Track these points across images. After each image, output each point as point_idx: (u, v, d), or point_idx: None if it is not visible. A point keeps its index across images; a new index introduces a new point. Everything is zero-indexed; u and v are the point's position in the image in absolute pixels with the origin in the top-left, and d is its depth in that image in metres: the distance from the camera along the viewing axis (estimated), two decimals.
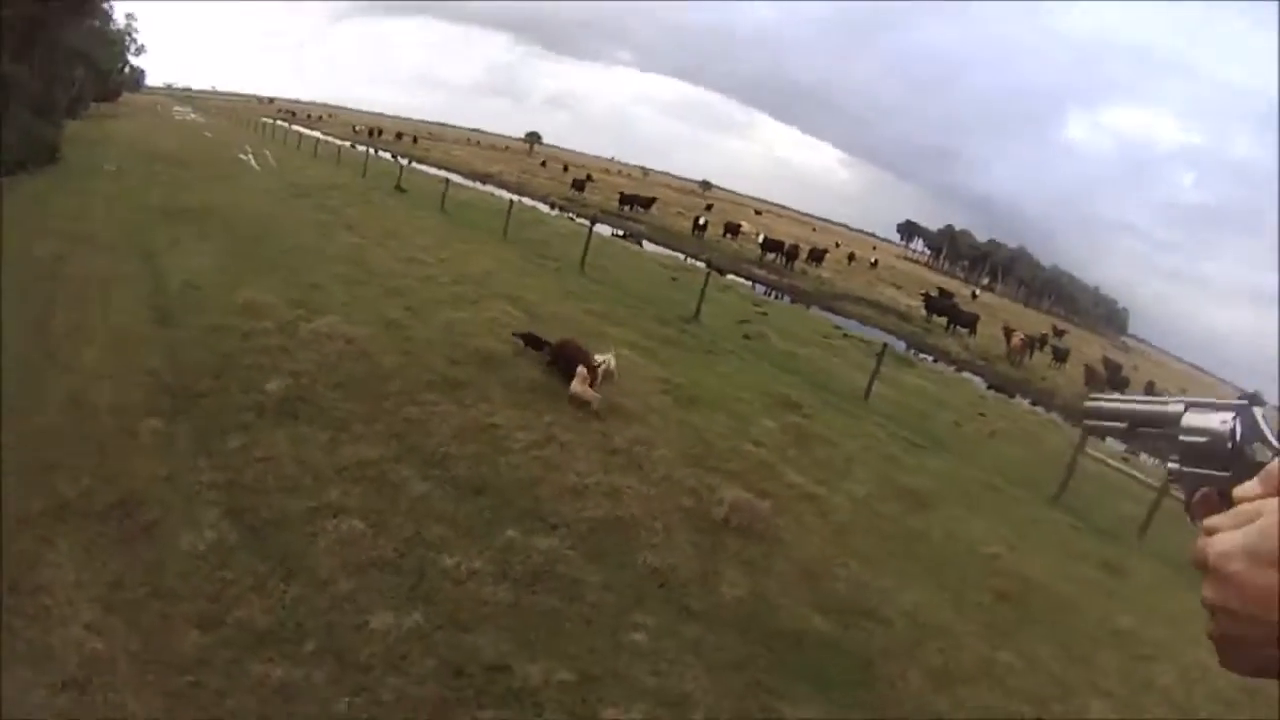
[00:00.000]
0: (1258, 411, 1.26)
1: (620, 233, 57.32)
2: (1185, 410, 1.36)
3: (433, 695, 7.51)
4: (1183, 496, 1.35)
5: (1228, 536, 1.05)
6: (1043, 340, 55.43)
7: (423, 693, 7.51)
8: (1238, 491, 1.12)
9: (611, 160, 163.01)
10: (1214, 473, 1.26)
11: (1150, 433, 1.44)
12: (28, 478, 9.74)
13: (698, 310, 27.29)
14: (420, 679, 7.65)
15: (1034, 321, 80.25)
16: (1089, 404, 1.59)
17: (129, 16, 73.53)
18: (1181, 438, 1.35)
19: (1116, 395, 1.60)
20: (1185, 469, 1.33)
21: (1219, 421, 1.27)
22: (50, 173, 33.41)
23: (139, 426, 11.40)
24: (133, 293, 17.69)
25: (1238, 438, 1.23)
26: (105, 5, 46.78)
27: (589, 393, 15.28)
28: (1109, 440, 24.39)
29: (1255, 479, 1.09)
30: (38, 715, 6.55)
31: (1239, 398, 1.32)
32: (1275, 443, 1.20)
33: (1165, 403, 1.43)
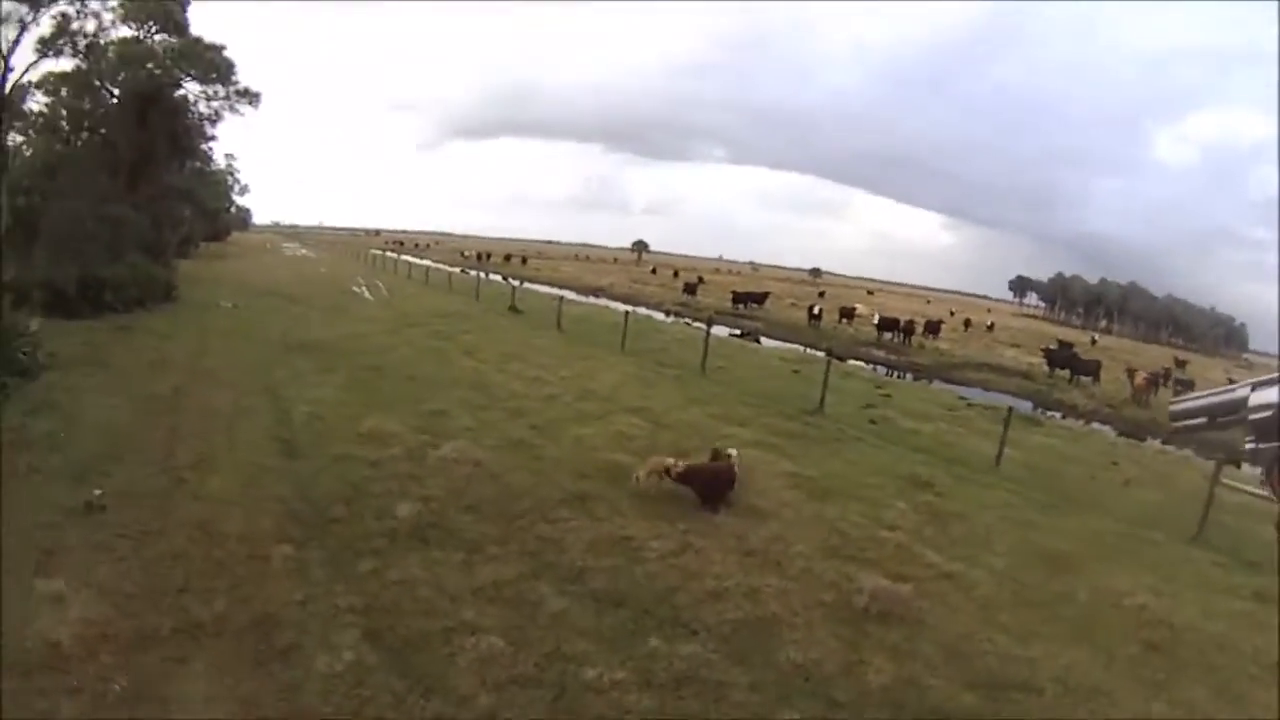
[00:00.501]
0: None
1: (737, 331, 56.85)
2: (1250, 391, 1.30)
3: None
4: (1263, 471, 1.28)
5: None
6: (1166, 375, 54.21)
7: None
8: None
9: (719, 259, 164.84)
10: None
11: (1230, 420, 1.38)
12: (158, 599, 10.01)
13: (821, 400, 26.99)
14: None
15: (1155, 356, 78.83)
16: (1172, 408, 1.53)
17: (229, 156, 75.74)
18: (1250, 417, 1.28)
19: (1195, 394, 1.54)
20: (1261, 445, 1.26)
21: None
22: (168, 310, 34.68)
23: (271, 552, 11.64)
24: (257, 425, 18.12)
25: None
26: (205, 147, 48.03)
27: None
28: (1245, 466, 23.77)
29: None
30: None
31: None
32: None
33: (1234, 389, 1.37)
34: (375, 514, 13.47)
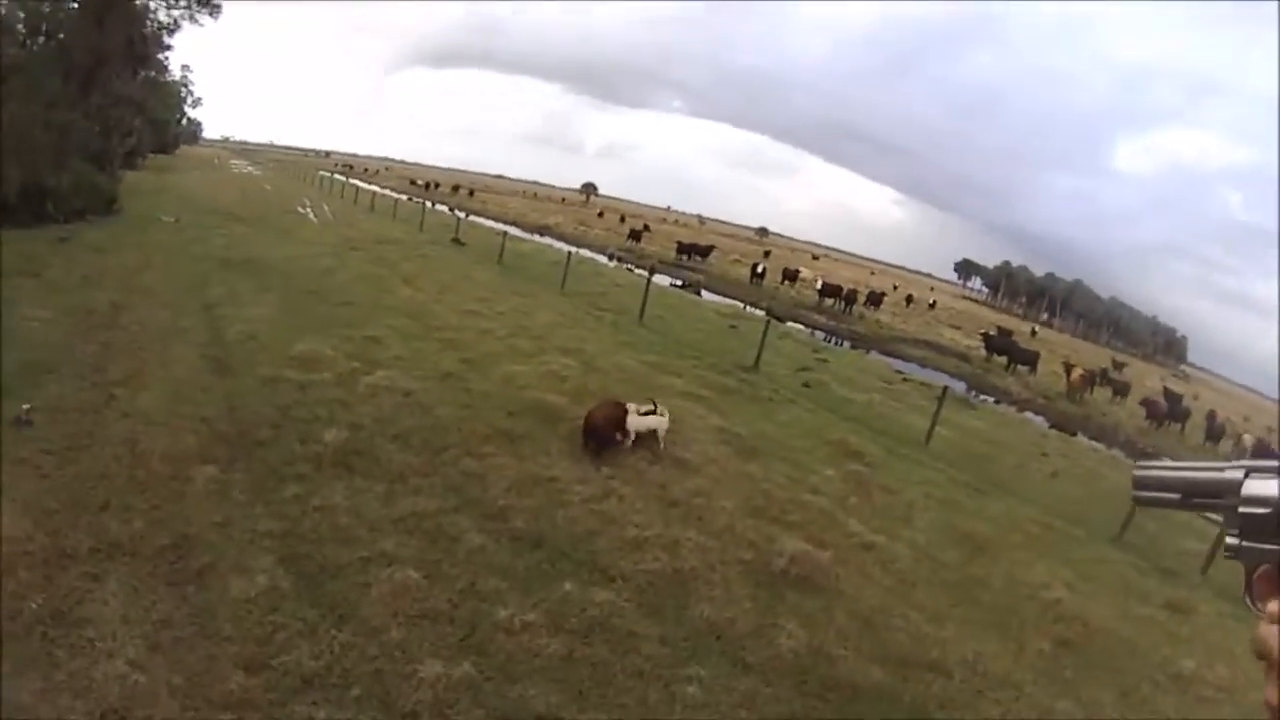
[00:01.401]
0: None
1: (679, 282, 57.38)
2: (1245, 477, 1.24)
3: None
4: (1242, 572, 1.23)
5: None
6: (1103, 375, 54.97)
7: None
8: None
9: (668, 209, 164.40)
10: (1277, 548, 1.14)
11: (1210, 504, 1.32)
12: (78, 516, 9.92)
13: (757, 359, 27.27)
14: None
15: (1093, 355, 79.72)
16: (1137, 473, 1.48)
17: (185, 68, 74.60)
18: (1241, 509, 1.22)
19: (1167, 462, 1.48)
20: (1246, 544, 1.21)
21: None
22: (109, 223, 34.22)
23: (194, 473, 11.53)
24: (190, 342, 17.96)
25: None
26: (161, 56, 47.23)
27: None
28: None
29: None
30: None
31: None
32: None
33: (1222, 469, 1.30)
34: (301, 438, 13.41)
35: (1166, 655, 12.37)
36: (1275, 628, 0.97)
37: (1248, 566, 1.18)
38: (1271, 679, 0.97)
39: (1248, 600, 1.17)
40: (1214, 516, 1.31)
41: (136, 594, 8.63)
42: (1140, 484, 1.47)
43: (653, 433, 15.75)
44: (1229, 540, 1.23)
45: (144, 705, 7.11)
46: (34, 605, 8.08)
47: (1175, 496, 1.39)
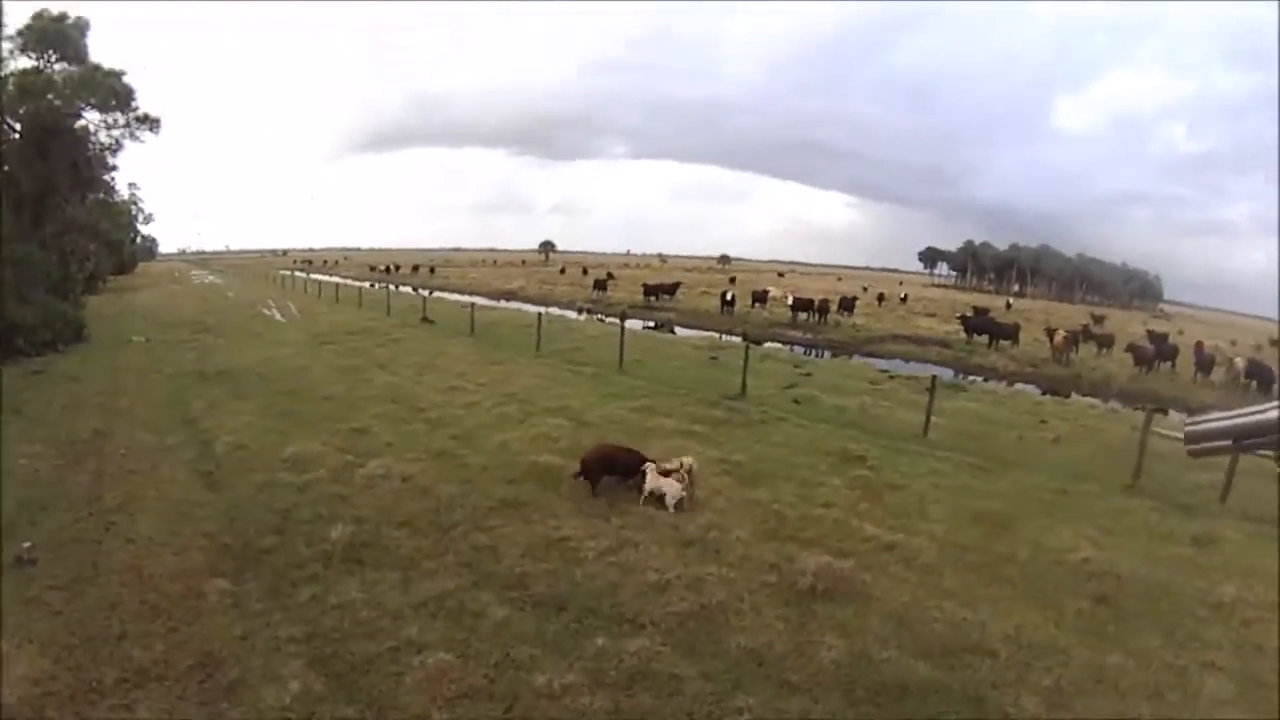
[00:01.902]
0: None
1: (651, 324, 57.39)
2: None
3: None
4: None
5: None
6: (1084, 331, 54.97)
7: None
8: None
9: (627, 254, 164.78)
10: None
11: (1258, 443, 1.32)
12: (98, 648, 9.85)
13: (743, 385, 27.15)
14: None
15: (1072, 315, 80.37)
16: (1190, 429, 1.49)
17: (132, 185, 74.38)
18: None
19: (1215, 414, 1.50)
20: None
21: None
22: (79, 350, 34.20)
23: (206, 589, 11.46)
24: (180, 460, 17.87)
25: None
26: (107, 177, 47.22)
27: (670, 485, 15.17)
28: (1171, 412, 24.12)
29: None
30: None
31: None
32: None
33: (1264, 410, 1.31)
34: (307, 540, 13.35)
35: (1202, 588, 12.43)
36: None
37: None
38: None
39: None
40: (1266, 453, 1.32)
41: (169, 718, 8.54)
42: (1192, 439, 1.47)
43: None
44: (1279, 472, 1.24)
45: None
46: None
47: (1228, 443, 1.40)
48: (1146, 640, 10.75)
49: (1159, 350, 47.03)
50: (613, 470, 15.75)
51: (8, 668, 9.18)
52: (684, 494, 15.09)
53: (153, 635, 10.17)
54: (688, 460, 15.67)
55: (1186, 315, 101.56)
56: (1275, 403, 1.24)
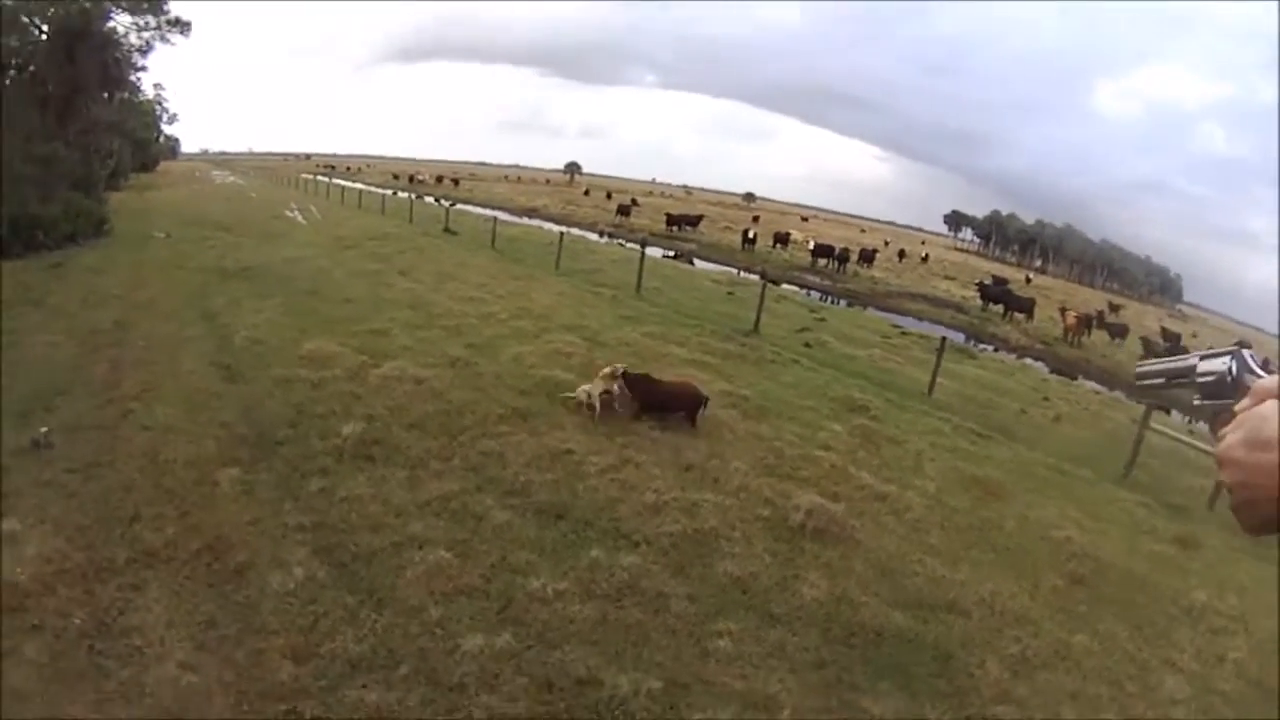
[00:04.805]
0: (1246, 353, 1.57)
1: (671, 253, 56.80)
2: (1199, 360, 1.66)
3: (525, 712, 7.74)
4: (1208, 424, 1.65)
5: (1231, 436, 1.35)
6: (1100, 317, 54.64)
7: (515, 710, 7.74)
8: (1237, 408, 1.41)
9: (653, 183, 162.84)
10: (1223, 400, 1.55)
11: (1181, 381, 1.73)
12: (111, 530, 10.17)
13: (756, 323, 27.46)
14: (512, 696, 7.88)
15: (1089, 299, 79.47)
16: (1139, 368, 1.91)
17: (157, 86, 74.02)
18: (1198, 380, 1.64)
19: (1154, 360, 1.91)
20: (1204, 401, 1.62)
21: (1220, 364, 1.59)
22: (101, 244, 34.30)
23: (219, 476, 11.78)
24: (199, 352, 18.13)
25: (1234, 373, 1.55)
26: (133, 77, 47.00)
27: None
28: (1174, 413, 24.32)
29: (1247, 397, 1.40)
30: None
31: (1233, 343, 1.66)
32: (1260, 371, 1.51)
33: (1186, 358, 1.73)
34: (320, 434, 13.66)
35: (1178, 588, 12.63)
36: (1224, 440, 1.38)
37: (1209, 417, 1.59)
38: (1221, 470, 1.39)
39: (1212, 433, 1.57)
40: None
41: (178, 598, 8.87)
42: (1140, 376, 1.90)
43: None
44: (1195, 401, 1.65)
45: (198, 706, 7.35)
46: (78, 620, 8.29)
47: (1161, 381, 1.81)
48: (1115, 627, 11.01)
49: (1171, 348, 47.00)
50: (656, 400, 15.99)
51: (21, 548, 9.46)
52: (597, 397, 15.62)
53: (164, 519, 10.47)
54: (619, 367, 16.12)
55: (1203, 319, 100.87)
56: (1195, 352, 1.61)
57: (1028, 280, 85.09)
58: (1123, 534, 14.60)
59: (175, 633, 8.25)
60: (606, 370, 16.04)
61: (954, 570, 11.71)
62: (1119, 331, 51.21)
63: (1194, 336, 63.36)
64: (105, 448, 12.56)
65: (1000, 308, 51.00)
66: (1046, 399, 27.19)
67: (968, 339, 41.70)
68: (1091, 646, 10.41)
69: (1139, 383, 1.95)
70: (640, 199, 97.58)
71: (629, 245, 53.48)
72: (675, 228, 72.01)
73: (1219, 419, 1.57)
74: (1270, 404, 1.35)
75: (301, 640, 8.30)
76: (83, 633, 8.14)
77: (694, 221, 74.52)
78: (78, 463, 11.89)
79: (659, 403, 15.91)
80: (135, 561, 9.49)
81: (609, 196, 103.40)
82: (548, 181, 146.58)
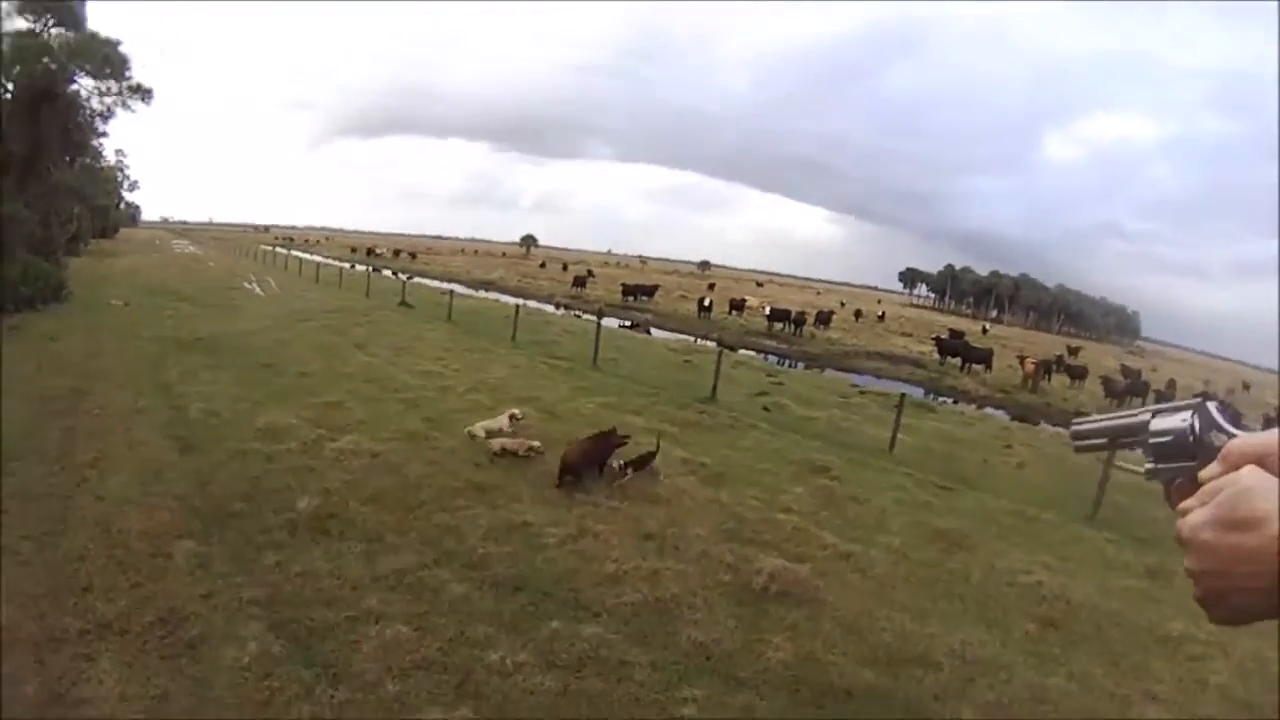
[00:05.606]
0: (1211, 405, 1.40)
1: (628, 323, 57.88)
2: (1152, 417, 1.49)
3: None
4: (1162, 490, 1.48)
5: (1197, 512, 1.20)
6: (1058, 362, 55.94)
7: None
8: (1202, 474, 1.26)
9: (609, 253, 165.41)
10: (1183, 464, 1.39)
11: (1130, 442, 1.57)
12: (64, 599, 9.99)
13: (714, 389, 27.48)
14: None
15: (1048, 344, 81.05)
16: (1074, 427, 1.74)
17: (119, 153, 74.21)
18: (1151, 440, 1.47)
19: (1095, 416, 1.74)
20: (1160, 466, 1.46)
21: (1180, 420, 1.42)
22: (59, 310, 34.38)
23: (173, 549, 11.57)
24: (153, 422, 17.95)
25: (1197, 431, 1.37)
26: (95, 143, 47.09)
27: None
28: (1138, 450, 24.51)
29: (1215, 461, 1.23)
30: None
31: (1194, 396, 1.48)
32: (1229, 429, 1.33)
33: (1135, 414, 1.57)
34: (275, 508, 13.47)
35: (1152, 620, 12.58)
36: (1187, 516, 1.22)
37: (1163, 483, 1.43)
38: (1185, 554, 1.23)
39: (1169, 505, 1.42)
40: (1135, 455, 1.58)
41: (131, 670, 8.66)
42: (1077, 436, 1.71)
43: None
44: (1147, 466, 1.48)
45: None
46: (29, 690, 8.12)
47: (1104, 441, 1.64)
48: (1091, 666, 10.91)
49: (1132, 384, 47.71)
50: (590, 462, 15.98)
51: None
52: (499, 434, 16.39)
53: (118, 590, 10.28)
54: (518, 411, 17.25)
55: (1161, 353, 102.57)
56: (1146, 408, 1.48)
57: (984, 331, 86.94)
58: (1092, 573, 14.56)
59: (129, 706, 8.06)
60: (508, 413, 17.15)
61: (923, 624, 11.60)
62: (1078, 374, 52.16)
63: (1154, 371, 64.53)
64: (59, 516, 12.39)
65: (958, 360, 51.64)
66: (1009, 446, 27.23)
67: (927, 393, 42.33)
68: (1068, 687, 10.32)
69: (1075, 443, 1.76)
70: (596, 270, 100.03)
71: (585, 316, 54.47)
72: (631, 297, 73.43)
73: (1178, 488, 1.42)
74: (1248, 471, 1.19)
75: (256, 715, 8.13)
76: (34, 703, 7.99)
77: (649, 291, 75.84)
78: (32, 530, 11.73)
79: (586, 460, 15.99)
80: (88, 632, 9.30)
81: (565, 268, 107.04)
82: (504, 254, 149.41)
